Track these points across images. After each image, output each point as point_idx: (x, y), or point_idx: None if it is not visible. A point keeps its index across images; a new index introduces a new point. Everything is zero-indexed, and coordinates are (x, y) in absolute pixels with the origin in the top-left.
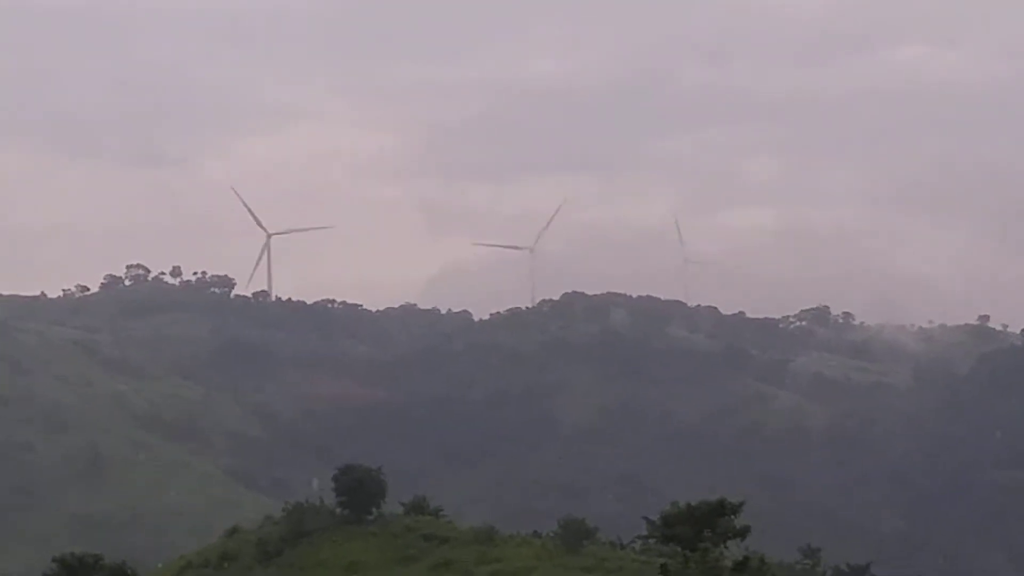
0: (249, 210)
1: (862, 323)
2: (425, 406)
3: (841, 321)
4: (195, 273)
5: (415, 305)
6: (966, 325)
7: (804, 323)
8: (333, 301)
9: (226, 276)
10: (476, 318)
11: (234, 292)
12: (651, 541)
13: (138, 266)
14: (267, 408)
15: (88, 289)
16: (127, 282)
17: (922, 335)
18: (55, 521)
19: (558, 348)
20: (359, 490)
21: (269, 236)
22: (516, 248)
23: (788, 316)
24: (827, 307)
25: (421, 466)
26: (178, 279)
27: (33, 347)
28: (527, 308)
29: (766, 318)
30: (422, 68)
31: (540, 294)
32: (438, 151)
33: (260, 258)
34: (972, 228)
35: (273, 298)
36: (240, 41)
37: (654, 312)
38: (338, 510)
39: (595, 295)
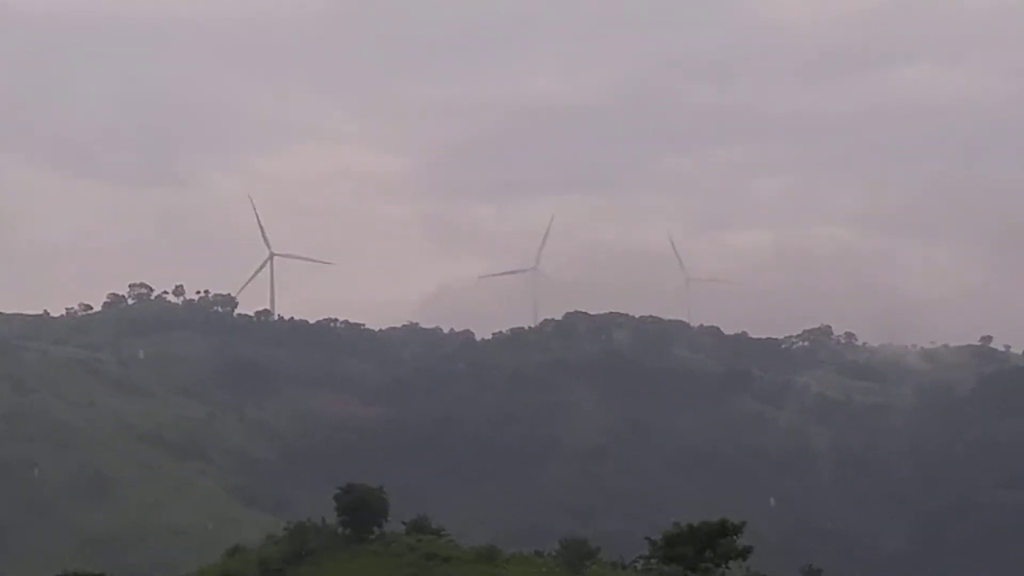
0: (260, 226)
1: (864, 343)
2: (427, 425)
3: (843, 341)
4: (198, 292)
5: (417, 324)
6: (968, 346)
7: (806, 343)
8: (336, 320)
9: (229, 295)
10: (478, 337)
11: (237, 311)
12: (653, 561)
13: (141, 285)
14: (270, 427)
15: (91, 308)
16: (130, 301)
17: (924, 355)
18: (59, 539)
19: (560, 368)
20: (361, 509)
21: (272, 255)
22: (521, 271)
23: (791, 336)
24: (829, 327)
25: (423, 485)
26: (181, 298)
27: (36, 365)
28: (529, 328)
29: (768, 338)
30: (426, 88)
31: (543, 314)
32: (442, 170)
33: (257, 272)
34: (976, 248)
35: (276, 317)
36: (245, 61)
37: (656, 332)
38: (340, 529)
39: (597, 315)
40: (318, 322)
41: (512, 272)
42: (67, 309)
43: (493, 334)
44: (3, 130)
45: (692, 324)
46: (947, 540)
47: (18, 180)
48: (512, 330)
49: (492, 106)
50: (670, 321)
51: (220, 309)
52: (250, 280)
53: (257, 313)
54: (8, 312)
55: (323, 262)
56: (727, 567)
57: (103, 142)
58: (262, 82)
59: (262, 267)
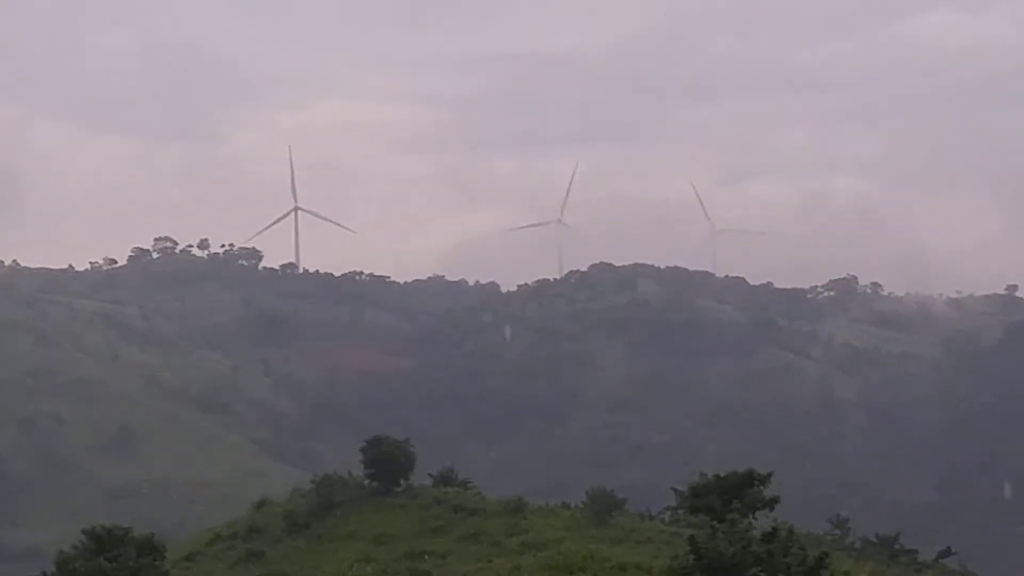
0: (292, 178)
1: (891, 293)
2: (453, 378)
3: (869, 291)
4: (223, 246)
5: (442, 277)
6: (994, 295)
7: (832, 293)
8: (360, 273)
9: (253, 248)
10: (504, 289)
11: (262, 264)
12: (680, 512)
13: (166, 239)
14: (295, 380)
15: (116, 262)
16: (155, 255)
17: (951, 305)
18: (85, 493)
19: (586, 319)
20: (388, 462)
21: (296, 208)
22: (545, 224)
23: (816, 286)
24: (855, 277)
25: (449, 437)
26: (206, 251)
27: (61, 320)
28: (554, 279)
29: (794, 288)
30: (449, 41)
31: (568, 265)
32: (465, 123)
33: (278, 221)
34: (997, 198)
35: (301, 270)
36: (269, 14)
37: (682, 283)
38: (367, 482)
39: (623, 266)
40: (343, 275)
41: (537, 225)
42: (92, 263)
43: (518, 286)
44: (27, 84)
45: (717, 275)
46: (974, 491)
47: (41, 134)
48: (537, 282)
49: (514, 58)
50: (695, 272)
51: (245, 263)
52: (266, 228)
53: (282, 266)
54: (33, 266)
55: (346, 228)
56: (754, 517)
57: (126, 96)
58: (285, 36)
59: (283, 217)
